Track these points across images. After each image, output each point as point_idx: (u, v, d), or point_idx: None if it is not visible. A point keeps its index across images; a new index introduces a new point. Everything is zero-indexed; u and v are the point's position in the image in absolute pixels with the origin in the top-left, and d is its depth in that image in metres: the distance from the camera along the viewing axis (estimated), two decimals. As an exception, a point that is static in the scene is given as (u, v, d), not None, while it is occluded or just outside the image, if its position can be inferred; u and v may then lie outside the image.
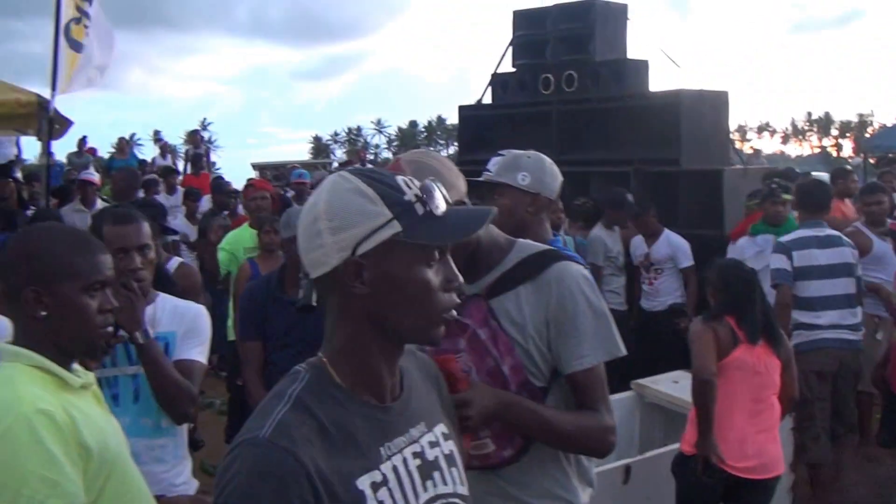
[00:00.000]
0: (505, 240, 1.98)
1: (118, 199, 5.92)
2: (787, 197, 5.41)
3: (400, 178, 1.25)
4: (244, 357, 3.41)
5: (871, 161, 15.89)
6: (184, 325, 2.65)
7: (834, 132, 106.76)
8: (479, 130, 8.24)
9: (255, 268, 5.23)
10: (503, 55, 8.11)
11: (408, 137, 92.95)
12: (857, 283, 4.70)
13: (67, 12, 6.30)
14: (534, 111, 7.61)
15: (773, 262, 4.69)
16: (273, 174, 15.25)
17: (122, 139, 13.78)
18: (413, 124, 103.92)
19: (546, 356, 1.90)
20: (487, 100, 8.29)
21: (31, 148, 11.94)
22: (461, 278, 1.27)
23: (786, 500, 4.08)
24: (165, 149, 15.03)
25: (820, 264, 4.62)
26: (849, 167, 10.30)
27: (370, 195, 1.21)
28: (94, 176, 6.94)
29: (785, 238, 4.75)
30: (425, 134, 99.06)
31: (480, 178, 2.54)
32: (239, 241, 5.52)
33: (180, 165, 14.41)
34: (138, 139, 19.71)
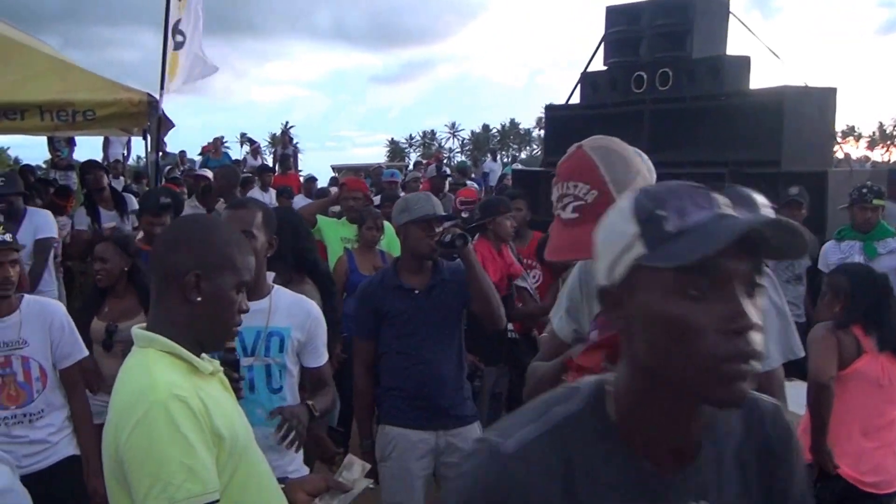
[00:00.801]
0: None
1: (220, 196, 6.09)
2: (879, 202, 5.21)
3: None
4: (358, 355, 3.48)
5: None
6: (305, 326, 2.72)
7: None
8: (566, 131, 8.15)
9: (352, 260, 5.34)
10: (594, 53, 8.04)
11: (481, 141, 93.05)
12: None
13: (174, 13, 6.54)
14: (625, 110, 7.48)
15: None
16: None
17: (216, 139, 14.26)
18: (486, 128, 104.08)
19: None
20: (576, 100, 8.23)
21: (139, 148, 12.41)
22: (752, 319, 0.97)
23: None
24: (257, 150, 15.52)
25: None
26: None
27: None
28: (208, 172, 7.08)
29: None
30: (498, 138, 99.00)
31: None
32: (334, 230, 5.63)
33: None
34: (225, 141, 20.45)
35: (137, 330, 1.75)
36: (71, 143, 12.96)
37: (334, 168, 20.43)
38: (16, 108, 5.93)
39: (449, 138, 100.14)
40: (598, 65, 7.95)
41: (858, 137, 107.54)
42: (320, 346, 2.79)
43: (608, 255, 1.03)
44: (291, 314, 2.71)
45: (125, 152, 12.43)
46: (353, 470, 1.91)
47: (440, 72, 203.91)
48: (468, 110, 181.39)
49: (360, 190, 6.06)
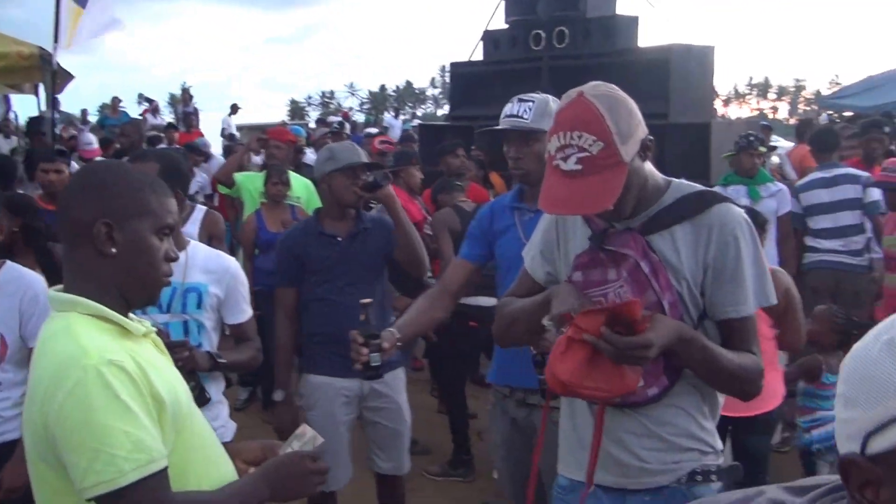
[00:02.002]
0: (662, 178, 1.93)
1: (126, 154, 6.00)
2: (763, 149, 5.79)
3: None
4: (279, 301, 3.52)
5: (836, 119, 16.11)
6: (223, 281, 2.68)
7: (772, 96, 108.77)
8: (470, 87, 8.38)
9: (261, 219, 5.40)
10: (494, 11, 8.25)
11: (378, 100, 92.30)
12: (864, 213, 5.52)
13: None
14: (525, 67, 7.75)
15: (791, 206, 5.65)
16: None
17: (115, 99, 13.77)
18: (383, 88, 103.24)
19: (697, 300, 1.87)
20: (478, 57, 8.43)
21: (24, 107, 11.81)
22: None
23: None
24: (156, 109, 15.05)
25: (822, 202, 5.63)
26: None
27: None
28: (95, 147, 6.88)
29: (799, 182, 5.92)
30: (395, 97, 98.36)
31: (520, 127, 2.61)
32: (252, 183, 5.65)
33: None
34: (121, 102, 19.68)
35: (54, 293, 1.61)
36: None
37: (238, 127, 20.07)
38: None
39: (348, 97, 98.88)
40: (499, 23, 8.17)
41: (717, 96, 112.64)
42: (241, 302, 2.79)
43: (875, 407, 0.78)
44: (208, 270, 2.67)
45: (5, 110, 11.80)
46: (305, 440, 1.77)
47: (334, 33, 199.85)
48: (364, 71, 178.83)
49: (283, 139, 6.01)
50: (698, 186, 1.94)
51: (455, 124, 8.62)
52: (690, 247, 1.85)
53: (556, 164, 1.78)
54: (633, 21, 7.36)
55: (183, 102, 14.03)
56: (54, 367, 1.48)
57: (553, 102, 2.60)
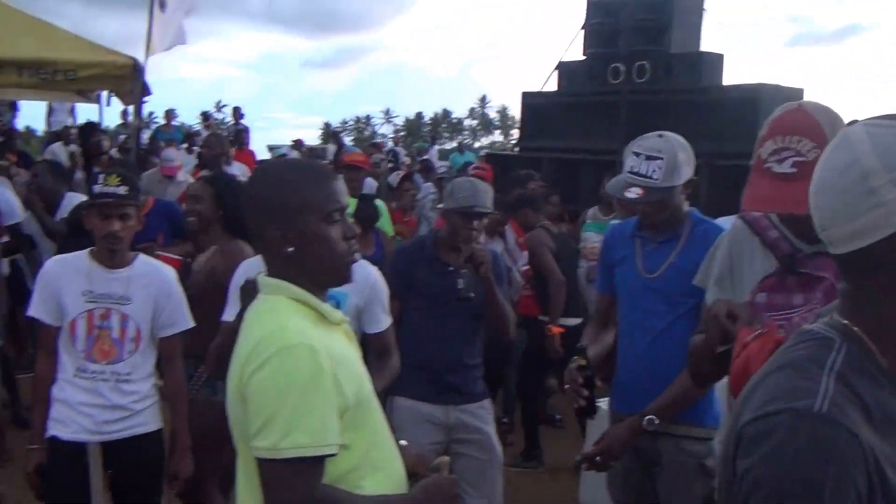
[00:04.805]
0: None
1: (211, 167, 5.98)
2: None
3: None
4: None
5: None
6: (363, 291, 2.69)
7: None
8: (542, 118, 8.33)
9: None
10: (571, 43, 8.22)
11: (414, 128, 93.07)
12: None
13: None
14: (602, 100, 7.69)
15: None
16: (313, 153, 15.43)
17: (168, 112, 13.91)
18: (419, 116, 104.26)
19: None
20: (551, 87, 8.39)
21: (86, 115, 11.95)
22: None
23: None
24: (211, 125, 15.22)
25: None
26: None
27: None
28: (176, 164, 6.83)
29: None
30: (430, 126, 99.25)
31: (654, 187, 2.50)
32: None
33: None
34: (155, 118, 19.91)
35: (263, 277, 1.69)
36: (14, 108, 12.42)
37: (270, 148, 20.27)
38: (-8, 63, 5.70)
39: (383, 124, 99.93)
40: (575, 54, 8.14)
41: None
42: (380, 312, 2.77)
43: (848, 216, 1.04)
44: (358, 281, 2.63)
45: (71, 120, 11.97)
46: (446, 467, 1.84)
47: (373, 59, 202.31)
48: (400, 98, 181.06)
49: (364, 164, 5.92)
50: None
51: (524, 154, 8.56)
52: None
53: (769, 166, 1.80)
54: (718, 59, 7.28)
55: (235, 120, 14.16)
56: (255, 342, 1.55)
57: (682, 152, 2.53)
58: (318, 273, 1.67)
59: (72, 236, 3.88)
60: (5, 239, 4.57)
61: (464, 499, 3.38)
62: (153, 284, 2.85)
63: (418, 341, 3.31)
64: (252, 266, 2.61)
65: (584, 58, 8.03)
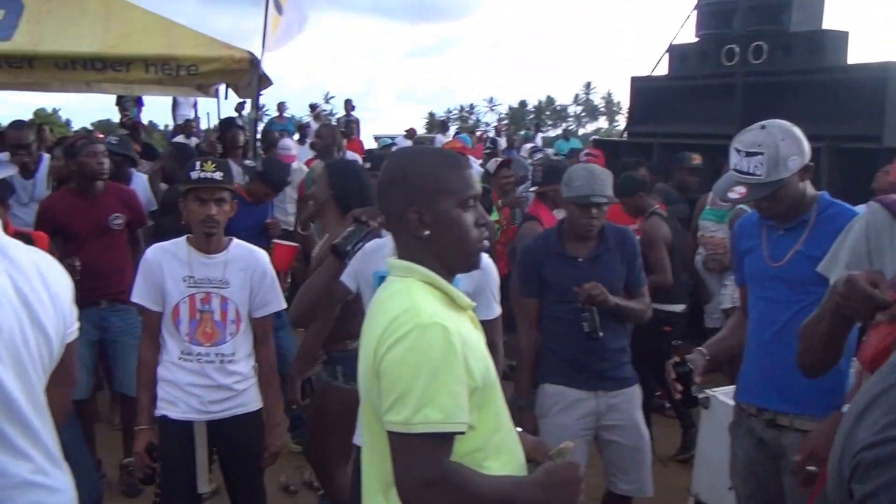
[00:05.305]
0: None
1: (324, 157, 6.15)
2: None
3: None
4: (522, 312, 3.45)
5: None
6: (474, 275, 2.65)
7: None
8: (651, 102, 8.13)
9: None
10: (682, 24, 7.98)
11: (517, 116, 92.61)
12: None
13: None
14: (715, 83, 7.43)
15: None
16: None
17: (280, 104, 14.42)
18: (523, 104, 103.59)
19: None
20: (661, 72, 8.17)
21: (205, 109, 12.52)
22: None
23: None
24: (320, 116, 15.73)
25: None
26: None
27: None
28: (293, 153, 7.07)
29: None
30: (534, 114, 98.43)
31: (759, 184, 2.42)
32: None
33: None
34: (266, 110, 20.79)
35: (395, 260, 1.74)
36: (139, 103, 13.13)
37: (376, 138, 20.63)
38: (121, 60, 6.02)
39: (487, 112, 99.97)
40: (687, 37, 7.89)
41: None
42: (491, 300, 2.77)
43: None
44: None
45: (193, 113, 12.57)
46: (570, 452, 1.81)
47: (475, 47, 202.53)
48: (502, 86, 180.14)
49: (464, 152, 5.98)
50: None
51: (633, 140, 8.38)
52: None
53: None
54: (842, 36, 6.89)
55: (346, 111, 14.55)
56: (389, 320, 1.58)
57: (786, 142, 2.40)
58: (449, 258, 1.71)
59: (163, 214, 4.08)
60: (150, 223, 4.85)
61: (614, 483, 3.39)
62: (248, 267, 2.97)
63: (562, 333, 3.32)
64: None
65: (696, 40, 7.77)
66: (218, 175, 2.87)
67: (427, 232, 1.68)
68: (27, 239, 3.08)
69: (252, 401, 3.03)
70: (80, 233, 4.16)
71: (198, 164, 2.91)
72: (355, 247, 2.48)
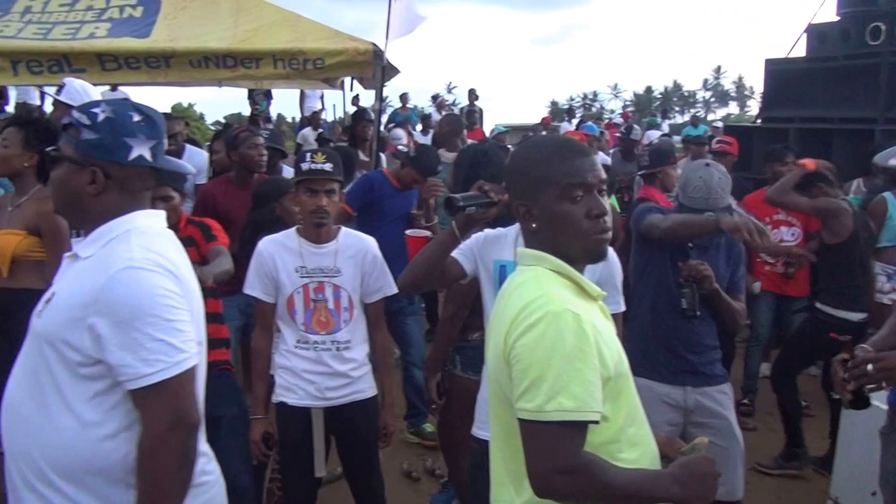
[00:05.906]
0: None
1: (444, 145, 6.18)
2: None
3: None
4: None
5: None
6: (595, 270, 2.61)
7: None
8: (787, 86, 7.69)
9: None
10: (822, 3, 7.50)
11: (643, 103, 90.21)
12: None
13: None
14: (858, 64, 6.95)
15: None
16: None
17: (403, 95, 14.68)
18: (648, 90, 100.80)
19: None
20: (798, 53, 7.73)
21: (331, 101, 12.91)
22: None
23: None
24: (442, 106, 15.94)
25: None
26: None
27: None
28: (403, 141, 7.14)
29: None
30: (660, 100, 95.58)
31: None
32: None
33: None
34: (389, 101, 21.20)
35: (524, 249, 1.73)
36: (268, 96, 13.68)
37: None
38: (251, 56, 6.24)
39: (611, 99, 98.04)
40: (827, 16, 7.41)
41: None
42: (614, 293, 2.64)
43: None
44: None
45: (320, 105, 12.96)
46: (704, 447, 1.77)
47: (598, 32, 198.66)
48: (627, 72, 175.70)
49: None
50: None
51: (767, 126, 7.97)
52: None
53: None
54: None
55: (471, 100, 14.64)
56: (520, 307, 1.57)
57: None
58: (563, 249, 1.67)
59: (255, 207, 4.16)
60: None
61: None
62: (359, 254, 3.02)
63: (657, 323, 3.25)
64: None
65: (837, 18, 7.29)
66: (328, 166, 2.92)
67: (534, 225, 1.68)
68: (203, 226, 3.25)
69: (368, 387, 3.07)
70: (237, 220, 4.30)
71: (308, 155, 2.96)
72: (469, 206, 2.35)
